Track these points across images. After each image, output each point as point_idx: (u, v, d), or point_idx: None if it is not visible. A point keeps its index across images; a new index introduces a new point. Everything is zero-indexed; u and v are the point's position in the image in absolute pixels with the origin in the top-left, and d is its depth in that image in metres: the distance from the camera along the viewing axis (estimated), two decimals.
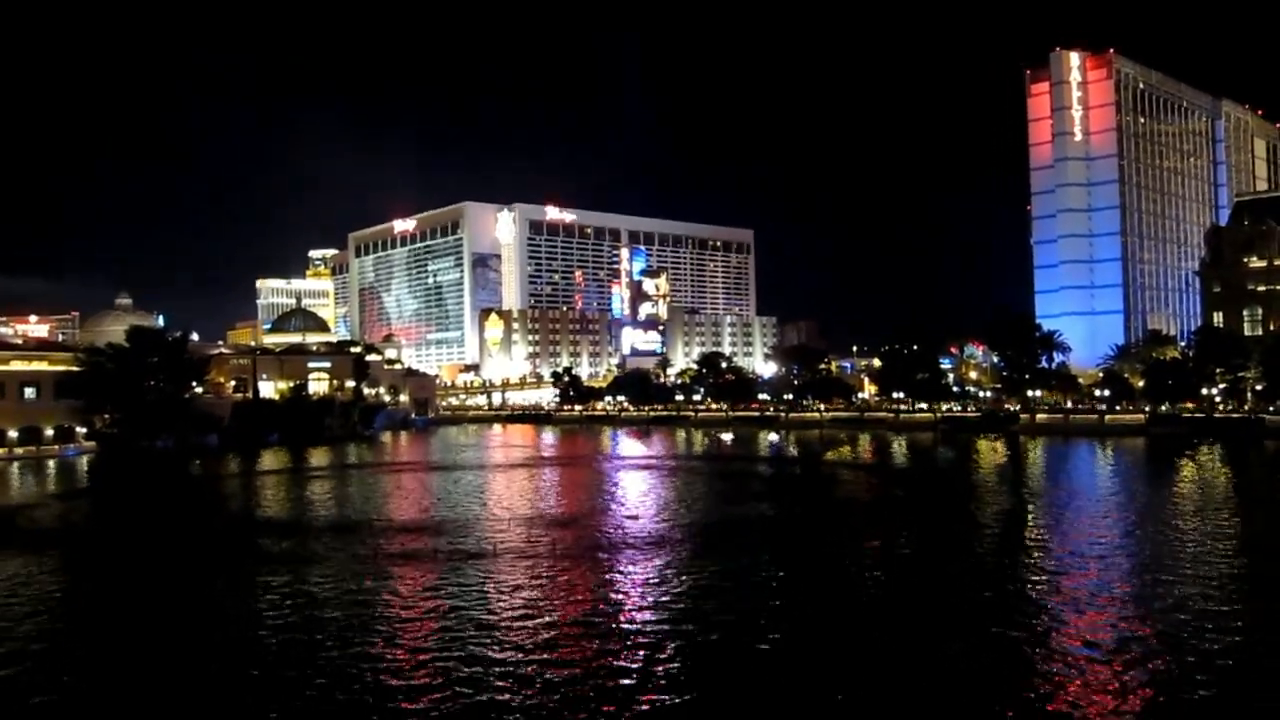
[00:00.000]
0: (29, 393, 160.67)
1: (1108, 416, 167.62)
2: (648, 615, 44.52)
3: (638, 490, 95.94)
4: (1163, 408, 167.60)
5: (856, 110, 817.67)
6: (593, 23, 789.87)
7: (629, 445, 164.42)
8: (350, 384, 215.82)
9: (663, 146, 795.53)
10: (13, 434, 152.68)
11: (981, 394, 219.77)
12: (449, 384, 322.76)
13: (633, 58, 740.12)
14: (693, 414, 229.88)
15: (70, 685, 37.30)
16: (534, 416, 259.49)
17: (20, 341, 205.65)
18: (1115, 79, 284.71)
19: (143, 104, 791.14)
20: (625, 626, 42.81)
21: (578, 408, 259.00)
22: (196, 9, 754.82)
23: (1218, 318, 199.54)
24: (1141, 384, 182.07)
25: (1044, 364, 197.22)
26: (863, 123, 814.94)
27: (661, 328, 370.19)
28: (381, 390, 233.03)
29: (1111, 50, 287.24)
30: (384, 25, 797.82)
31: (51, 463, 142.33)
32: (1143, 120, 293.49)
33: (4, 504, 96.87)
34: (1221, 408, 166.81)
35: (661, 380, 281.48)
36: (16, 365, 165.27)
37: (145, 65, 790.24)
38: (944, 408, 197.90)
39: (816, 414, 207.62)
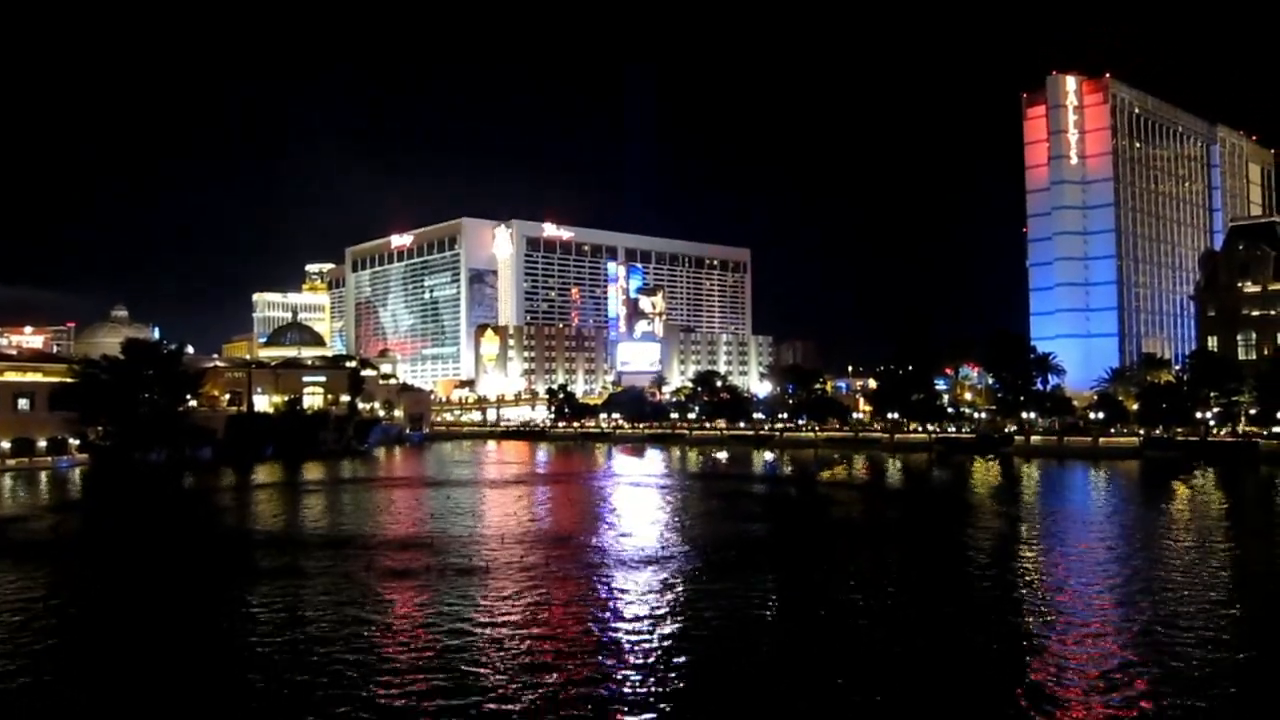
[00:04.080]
0: (22, 404, 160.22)
1: (1102, 439, 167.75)
2: (641, 634, 44.36)
3: (632, 508, 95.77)
4: (1157, 431, 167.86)
5: (854, 132, 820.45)
6: (593, 41, 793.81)
7: (623, 463, 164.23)
8: (345, 399, 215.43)
9: (661, 165, 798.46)
10: (5, 445, 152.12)
11: (977, 415, 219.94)
12: (444, 400, 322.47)
13: (634, 77, 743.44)
14: (687, 432, 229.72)
15: (60, 700, 37.10)
16: (529, 433, 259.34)
17: (15, 352, 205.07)
18: (1111, 103, 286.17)
19: (141, 116, 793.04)
20: (618, 645, 42.66)
21: (573, 425, 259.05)
22: (196, 24, 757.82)
23: (1212, 342, 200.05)
24: (1136, 407, 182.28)
25: (1039, 386, 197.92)
26: (860, 144, 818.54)
27: (657, 345, 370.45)
28: (376, 405, 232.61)
29: (1108, 75, 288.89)
30: (383, 40, 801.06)
31: (44, 475, 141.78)
32: (1138, 145, 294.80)
33: None
34: (1215, 432, 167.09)
35: (657, 398, 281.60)
36: (11, 376, 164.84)
37: (143, 78, 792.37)
38: (939, 429, 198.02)
39: (811, 434, 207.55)
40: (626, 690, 36.56)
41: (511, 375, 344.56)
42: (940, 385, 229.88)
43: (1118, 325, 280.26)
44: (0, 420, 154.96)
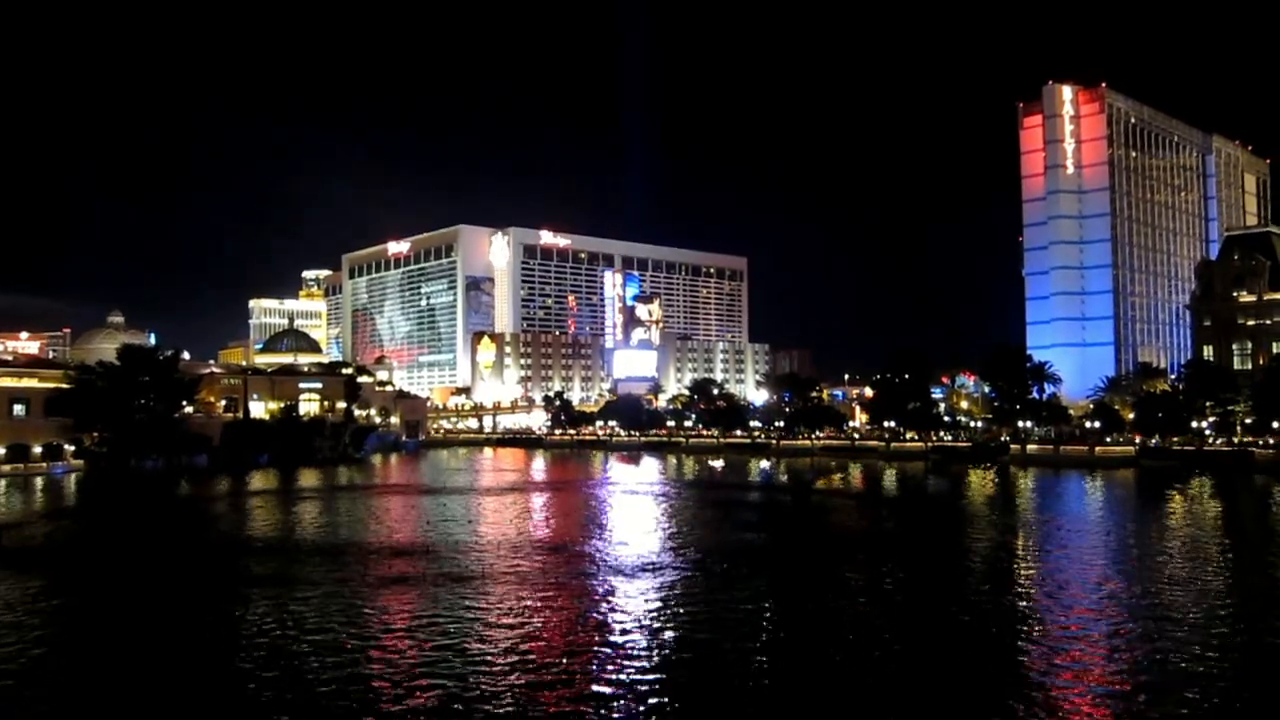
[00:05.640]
0: (18, 409, 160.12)
1: (1098, 448, 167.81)
2: (637, 643, 44.30)
3: (628, 516, 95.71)
4: (1153, 440, 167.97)
5: (852, 141, 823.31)
6: (590, 50, 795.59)
7: (620, 471, 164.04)
8: (341, 405, 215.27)
9: (658, 173, 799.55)
10: (0, 451, 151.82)
11: (973, 424, 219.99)
12: (440, 407, 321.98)
13: (631, 86, 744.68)
14: (684, 440, 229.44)
15: (53, 707, 36.99)
16: (525, 441, 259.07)
17: (11, 358, 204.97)
18: (1107, 113, 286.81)
19: (139, 124, 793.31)
20: (613, 653, 42.58)
21: (569, 432, 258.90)
22: (194, 34, 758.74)
23: (1208, 351, 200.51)
24: (1132, 416, 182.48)
25: (1035, 395, 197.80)
26: (858, 153, 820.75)
27: (654, 353, 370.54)
28: (372, 412, 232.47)
29: (1104, 84, 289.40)
30: (381, 47, 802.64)
31: (39, 481, 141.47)
32: (1134, 154, 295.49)
33: None
34: (1211, 441, 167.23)
35: (653, 406, 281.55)
36: (6, 382, 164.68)
37: (142, 87, 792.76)
38: (935, 437, 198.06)
39: (808, 442, 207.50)
40: (622, 699, 36.49)
41: (508, 383, 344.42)
42: (936, 394, 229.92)
43: (1114, 334, 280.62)
44: None
